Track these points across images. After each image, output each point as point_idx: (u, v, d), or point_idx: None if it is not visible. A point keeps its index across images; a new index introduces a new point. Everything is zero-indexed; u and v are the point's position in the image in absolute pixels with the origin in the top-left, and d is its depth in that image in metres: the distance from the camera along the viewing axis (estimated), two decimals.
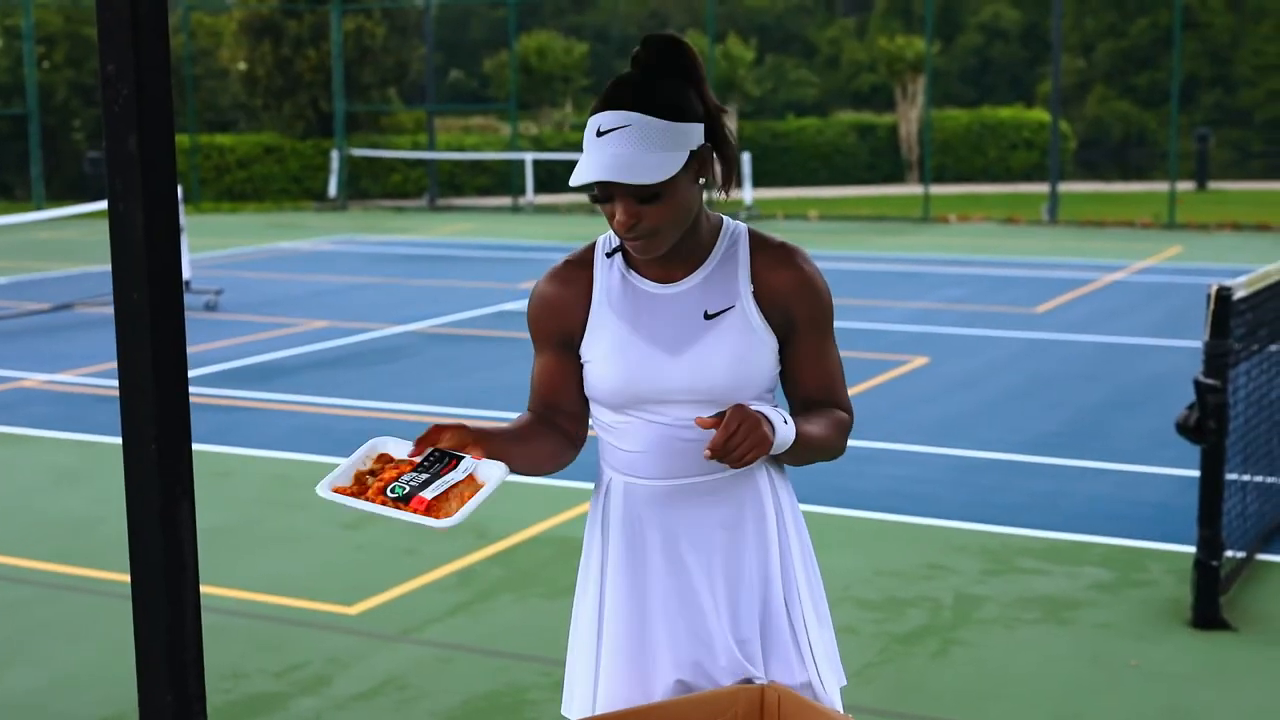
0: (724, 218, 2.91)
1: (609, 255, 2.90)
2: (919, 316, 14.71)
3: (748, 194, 27.48)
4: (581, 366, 2.92)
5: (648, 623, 2.90)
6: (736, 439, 2.57)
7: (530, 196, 30.38)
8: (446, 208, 31.56)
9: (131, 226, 2.50)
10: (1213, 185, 34.77)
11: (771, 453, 2.67)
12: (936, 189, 31.93)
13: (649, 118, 2.66)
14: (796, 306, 2.84)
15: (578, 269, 2.91)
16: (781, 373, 2.92)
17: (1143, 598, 6.39)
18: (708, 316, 2.81)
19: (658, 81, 2.72)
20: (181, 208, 15.71)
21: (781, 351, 2.88)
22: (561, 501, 7.86)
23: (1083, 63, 47.09)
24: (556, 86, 41.89)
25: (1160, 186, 34.10)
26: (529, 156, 30.49)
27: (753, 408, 2.65)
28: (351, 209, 31.26)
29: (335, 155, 31.22)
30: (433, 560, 6.92)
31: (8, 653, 5.84)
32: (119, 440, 9.42)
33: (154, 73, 2.48)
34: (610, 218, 2.72)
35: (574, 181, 2.65)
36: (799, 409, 2.93)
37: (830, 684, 2.95)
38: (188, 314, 14.90)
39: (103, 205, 17.62)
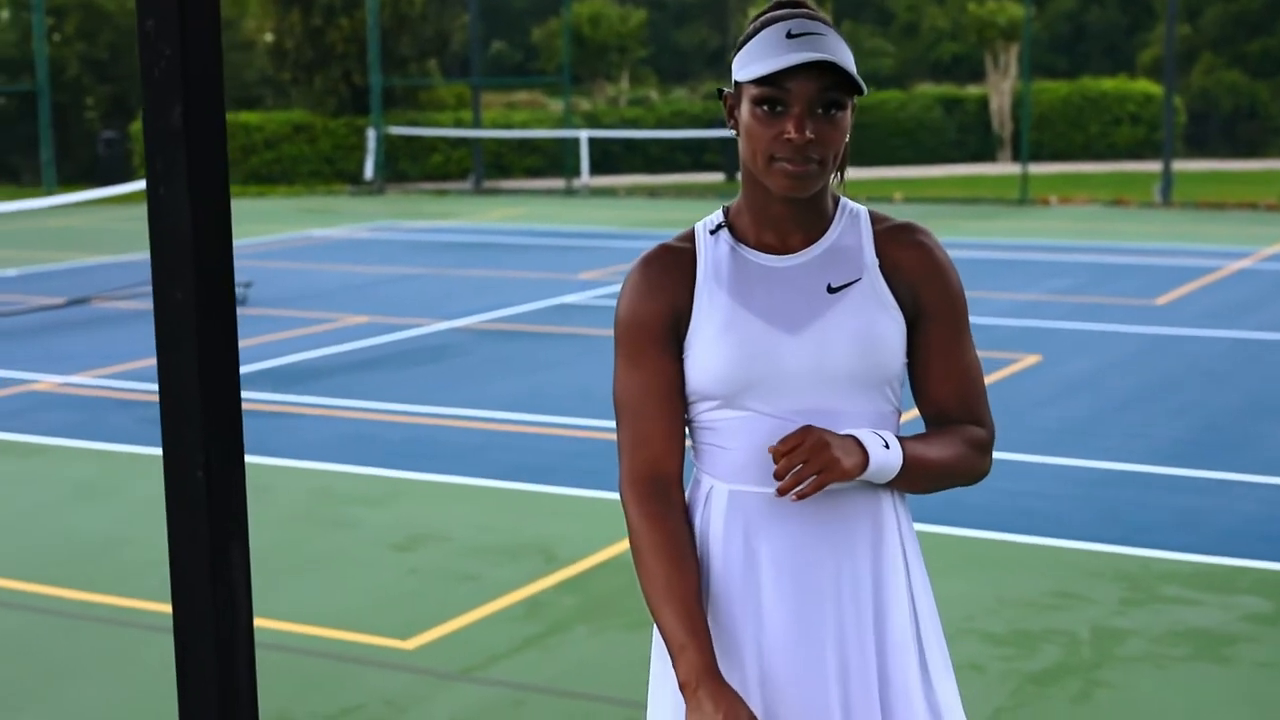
0: (841, 195, 2.81)
1: (713, 232, 2.77)
2: (1025, 309, 14.41)
3: None
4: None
5: (761, 659, 2.70)
6: (796, 457, 2.52)
7: (585, 178, 30.22)
8: (493, 190, 31.45)
9: (175, 213, 2.31)
10: None
11: (870, 479, 2.61)
12: (1034, 168, 31.53)
13: (838, 35, 2.65)
14: (926, 289, 2.74)
15: (677, 250, 2.76)
16: (911, 379, 2.79)
17: None
18: (831, 290, 2.69)
19: None
20: None
21: (909, 348, 2.75)
22: None
23: (1188, 29, 46.57)
24: (612, 58, 41.72)
25: (1278, 164, 33.58)
26: (584, 134, 30.33)
27: (839, 432, 2.59)
28: (389, 192, 31.20)
29: (371, 134, 31.15)
30: (496, 588, 6.71)
31: (21, 695, 5.66)
32: (143, 450, 9.35)
33: (202, 31, 2.29)
34: (768, 140, 2.59)
35: (764, 70, 2.56)
36: (930, 423, 2.80)
37: None
38: None
39: (119, 190, 17.55)
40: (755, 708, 2.67)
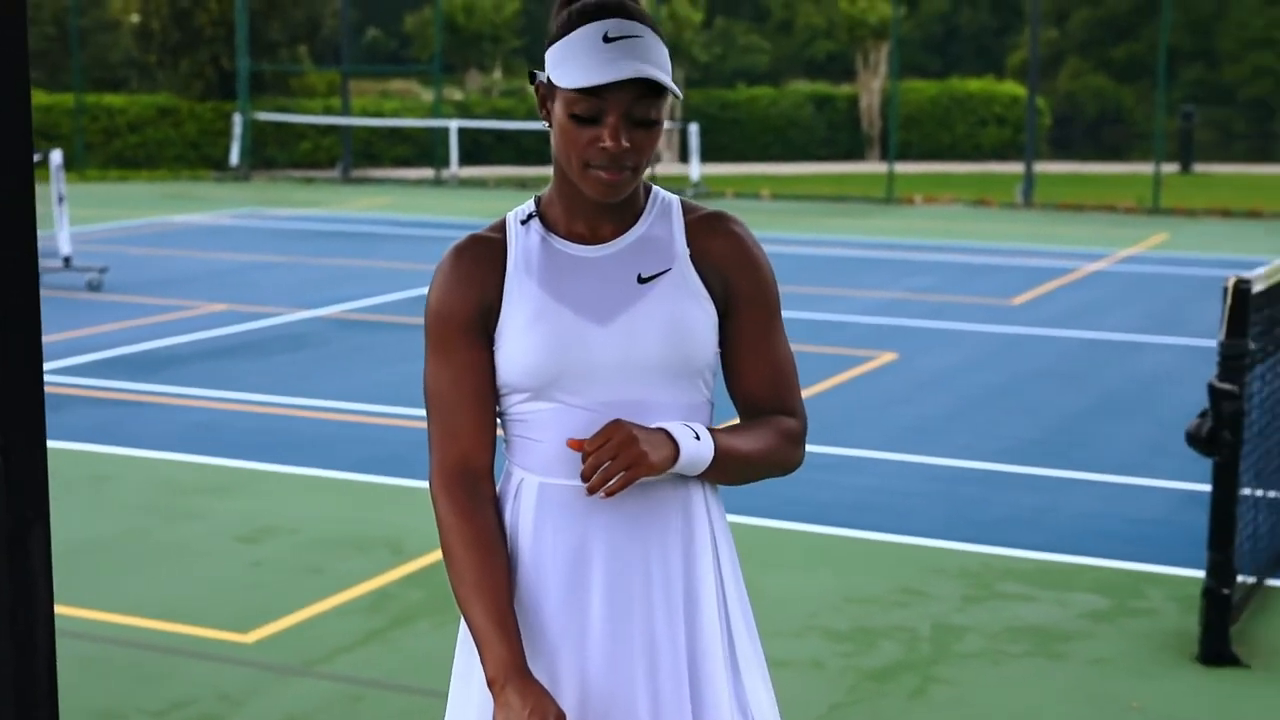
0: (651, 184, 2.78)
1: (524, 222, 2.74)
2: (885, 307, 14.54)
3: (695, 170, 27.30)
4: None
5: (553, 656, 2.68)
6: (604, 453, 2.52)
7: (454, 169, 30.06)
8: (362, 179, 31.20)
9: None
10: (1197, 168, 34.87)
11: (680, 471, 2.60)
12: (901, 167, 31.82)
13: (656, 35, 2.62)
14: (737, 277, 2.72)
15: (488, 240, 2.73)
16: (723, 369, 2.78)
17: (1142, 629, 6.20)
18: (641, 280, 2.68)
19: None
20: (64, 175, 15.35)
21: (722, 338, 2.74)
22: None
23: (1055, 33, 47.29)
24: (485, 48, 41.58)
25: (1141, 168, 34.21)
26: (454, 124, 30.19)
27: (647, 425, 2.58)
28: (255, 179, 30.84)
29: (238, 119, 30.76)
30: (341, 580, 6.65)
31: None
32: None
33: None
34: (584, 145, 2.57)
35: (582, 82, 2.53)
36: (742, 414, 2.79)
37: None
38: (68, 294, 14.57)
39: None
40: (565, 704, 2.65)
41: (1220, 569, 5.79)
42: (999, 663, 5.83)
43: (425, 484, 8.13)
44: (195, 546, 7.13)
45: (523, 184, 29.72)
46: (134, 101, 33.78)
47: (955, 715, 5.37)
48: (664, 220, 2.73)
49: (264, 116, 31.97)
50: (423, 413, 9.47)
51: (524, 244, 2.71)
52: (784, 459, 2.76)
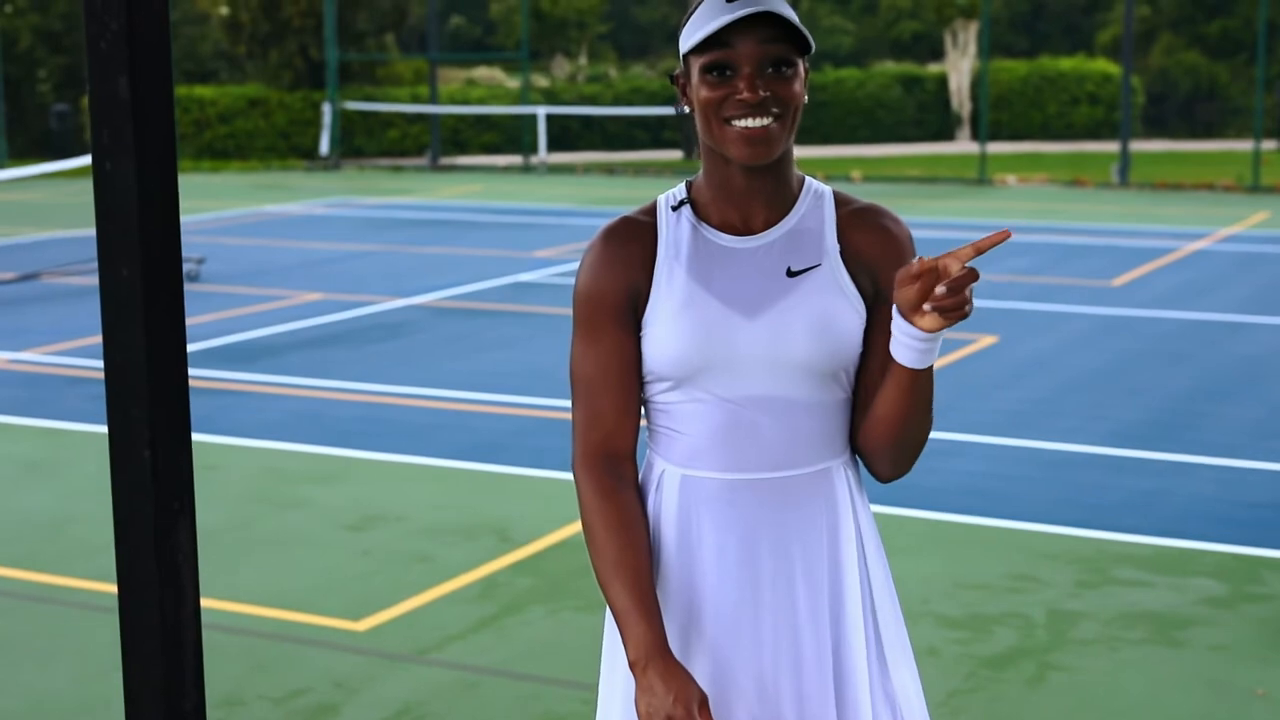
0: (806, 175, 2.76)
1: (675, 209, 2.72)
2: (983, 290, 14.42)
3: None
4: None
5: (703, 649, 2.68)
6: (959, 289, 2.39)
7: (543, 155, 30.13)
8: (450, 167, 31.32)
9: (121, 188, 2.27)
10: None
11: (922, 355, 2.51)
12: (993, 147, 31.57)
13: None
14: (886, 272, 2.67)
15: (639, 225, 2.72)
16: (864, 364, 2.72)
17: (1262, 615, 6.12)
18: (791, 274, 2.65)
19: None
20: None
21: (865, 334, 2.70)
22: None
23: (1147, 9, 46.70)
24: (570, 34, 41.61)
25: (1237, 145, 33.75)
26: (542, 111, 30.23)
27: (803, 417, 2.62)
28: (345, 168, 31.03)
29: (327, 109, 30.96)
30: (450, 568, 6.67)
31: None
32: (92, 428, 9.25)
33: (149, 3, 2.24)
34: (719, 104, 2.57)
35: (706, 32, 2.53)
36: (863, 400, 2.71)
37: None
38: None
39: (71, 164, 17.40)
40: (720, 694, 2.64)
41: None
42: (1117, 649, 5.77)
43: (529, 471, 8.17)
44: (304, 535, 7.18)
45: (610, 170, 29.72)
46: (224, 93, 34.06)
47: (1075, 702, 5.32)
48: (816, 212, 2.70)
49: (352, 106, 32.15)
50: (521, 399, 9.52)
51: (675, 231, 2.70)
52: (929, 424, 2.70)
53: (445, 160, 32.43)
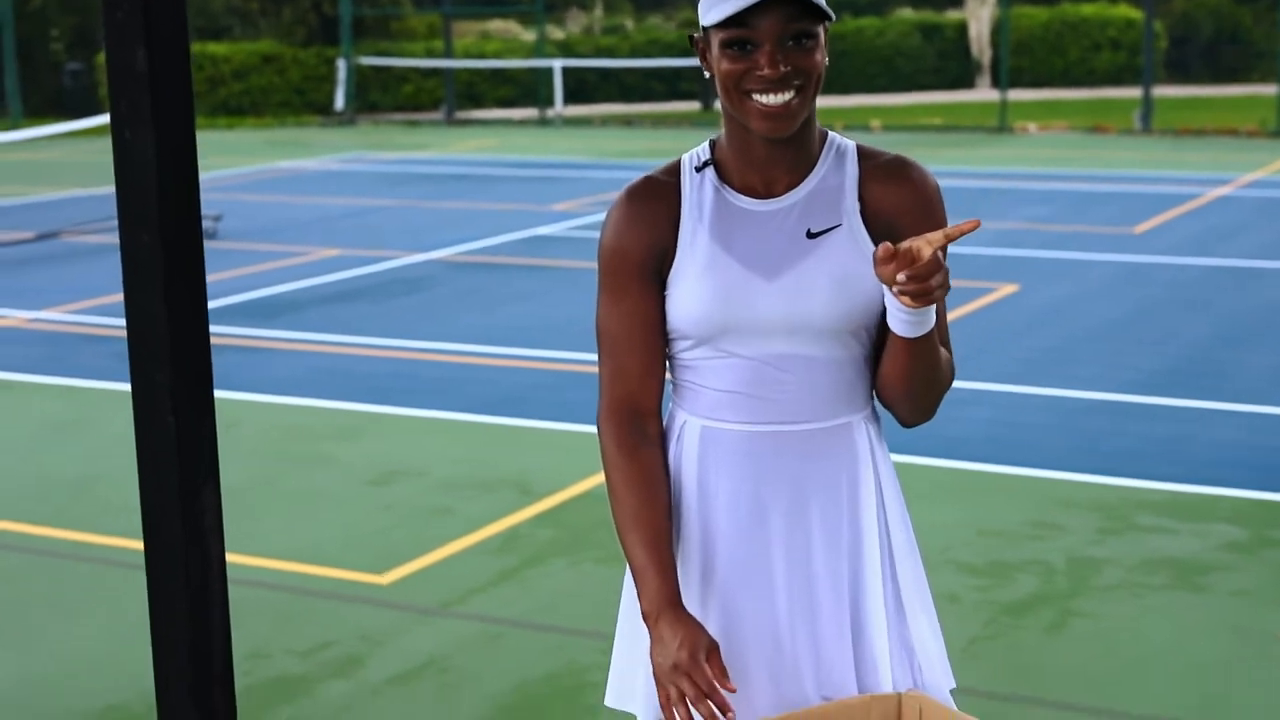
0: (828, 130, 2.77)
1: (698, 170, 2.76)
2: (1003, 238, 14.43)
3: None
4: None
5: (718, 597, 2.73)
6: (922, 276, 2.41)
7: (560, 108, 30.11)
8: (466, 121, 31.30)
9: (140, 157, 2.29)
10: None
11: (916, 324, 2.54)
12: (1014, 95, 31.47)
13: None
14: (908, 223, 2.69)
15: (662, 184, 2.76)
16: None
17: None
18: (810, 236, 2.69)
19: None
20: None
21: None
22: None
23: None
24: None
25: (1261, 89, 33.58)
26: (558, 64, 30.19)
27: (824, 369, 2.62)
28: (360, 124, 31.05)
29: (342, 64, 30.97)
30: (471, 521, 6.74)
31: None
32: (114, 385, 9.31)
33: None
34: (739, 78, 2.59)
35: (726, 12, 2.54)
36: (890, 352, 2.73)
37: (941, 691, 2.77)
38: None
39: (87, 123, 17.44)
40: (733, 641, 2.69)
41: None
42: (1139, 595, 5.82)
43: (548, 424, 8.23)
44: (326, 490, 7.25)
45: (628, 122, 29.69)
46: (237, 49, 34.05)
47: (1097, 649, 5.37)
48: (838, 170, 2.72)
49: (367, 61, 32.13)
50: (540, 353, 9.56)
51: (698, 192, 2.73)
52: (947, 376, 2.73)
53: (461, 115, 32.41)
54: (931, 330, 2.58)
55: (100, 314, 11.54)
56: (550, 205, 17.49)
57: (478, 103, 34.63)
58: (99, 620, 5.75)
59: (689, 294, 2.68)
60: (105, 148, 25.77)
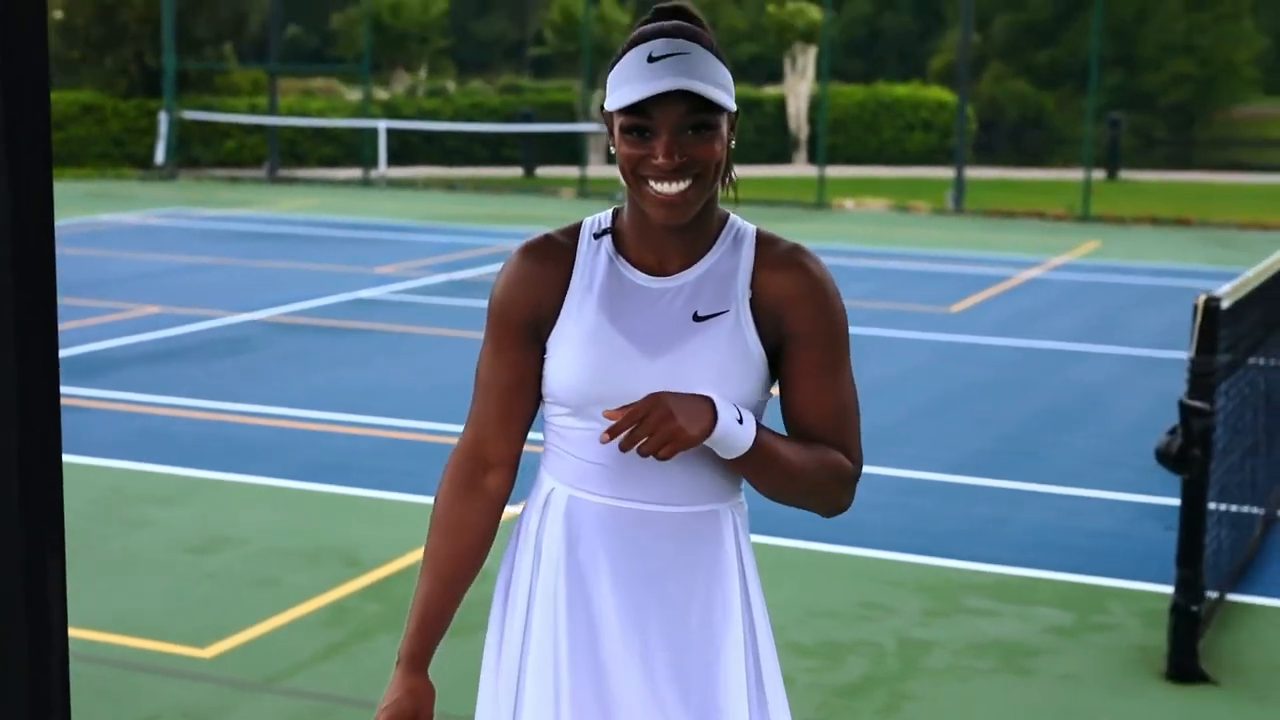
0: (729, 213, 2.77)
1: (596, 237, 2.75)
2: None
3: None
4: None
5: (585, 670, 2.69)
6: (643, 429, 2.50)
7: (383, 169, 29.87)
8: (289, 179, 30.93)
9: None
10: (1122, 174, 35.17)
11: (713, 446, 2.57)
12: (830, 171, 31.92)
13: (707, 52, 2.61)
14: (799, 315, 2.69)
15: (558, 246, 2.76)
16: (781, 402, 2.75)
17: (1107, 644, 6.20)
18: (697, 319, 2.68)
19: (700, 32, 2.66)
20: None
21: (780, 374, 2.73)
22: None
23: (978, 37, 47.54)
24: (411, 47, 41.37)
25: (1067, 174, 34.44)
26: (382, 124, 30.00)
27: (686, 394, 2.56)
28: (181, 178, 30.52)
29: (164, 117, 30.43)
30: (296, 593, 6.55)
31: None
32: None
33: (25, 14, 2.15)
34: (636, 163, 2.57)
35: (625, 100, 2.54)
36: (792, 438, 2.73)
37: None
38: None
39: None
40: (566, 711, 2.66)
41: (1189, 586, 5.80)
42: (967, 679, 5.82)
43: (374, 493, 8.08)
44: (147, 557, 7.00)
45: (451, 185, 29.56)
46: (58, 98, 33.30)
47: None
48: (733, 254, 2.71)
49: (190, 115, 31.63)
50: (365, 419, 9.36)
51: (593, 260, 2.72)
52: (828, 489, 2.71)
53: (284, 172, 32.02)
54: (749, 451, 2.58)
55: None
56: (374, 268, 17.29)
57: (301, 161, 34.26)
58: None
59: (568, 362, 2.67)
60: None
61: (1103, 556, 7.31)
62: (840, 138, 37.59)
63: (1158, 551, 7.21)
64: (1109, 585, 6.92)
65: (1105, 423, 10.19)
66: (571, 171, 32.29)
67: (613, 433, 2.52)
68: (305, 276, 16.52)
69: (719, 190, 2.69)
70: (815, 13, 37.44)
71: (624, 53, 2.61)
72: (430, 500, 7.78)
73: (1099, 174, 33.45)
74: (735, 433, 2.56)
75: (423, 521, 7.47)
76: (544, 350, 2.72)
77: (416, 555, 7.01)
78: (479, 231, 21.43)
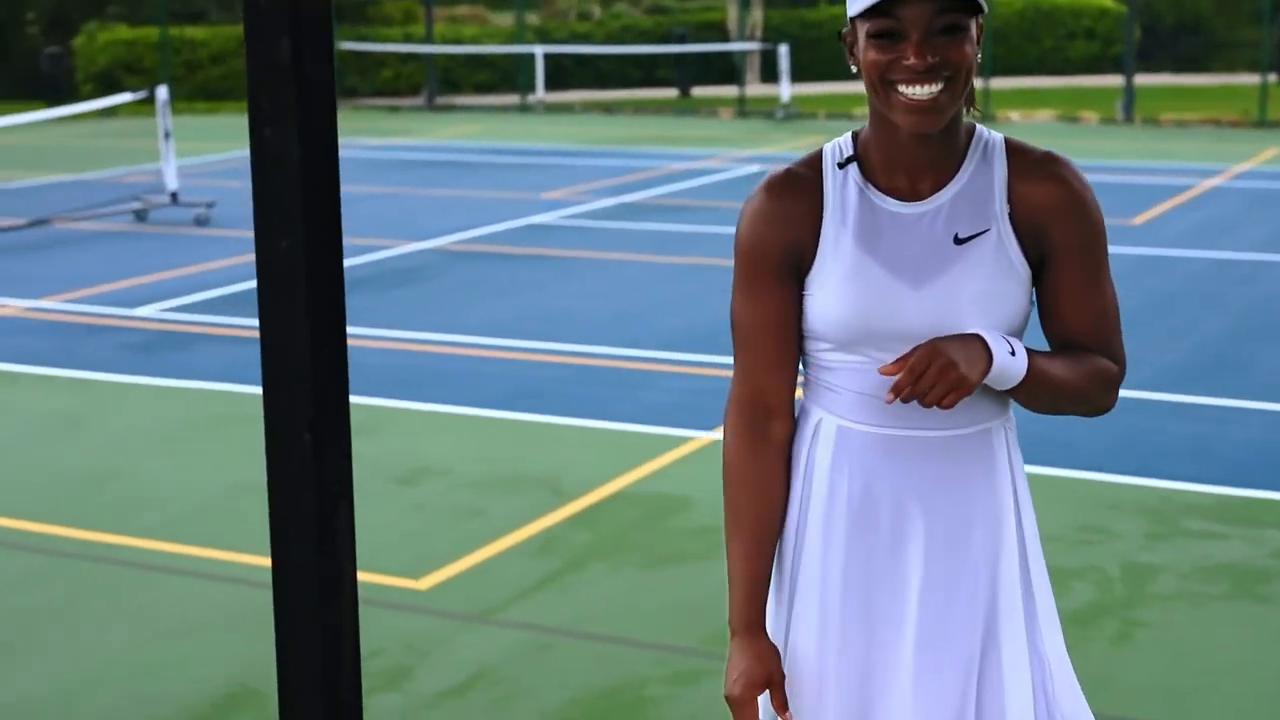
0: (976, 124, 2.65)
1: (841, 166, 2.63)
2: None
3: (785, 90, 26.95)
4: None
5: (857, 592, 2.66)
6: (925, 382, 2.42)
7: (540, 94, 29.81)
8: (447, 107, 31.01)
9: (284, 159, 2.11)
10: None
11: (990, 383, 2.50)
12: (994, 83, 31.32)
13: None
14: (1061, 229, 2.60)
15: (804, 179, 2.64)
16: (1041, 310, 2.67)
17: None
18: (958, 241, 2.58)
19: None
20: (169, 111, 15.24)
21: (1040, 285, 2.64)
22: (640, 452, 7.45)
23: None
24: None
25: (1231, 79, 33.53)
26: (539, 50, 29.91)
27: (957, 337, 2.47)
28: (341, 108, 30.63)
29: None
30: (505, 523, 6.50)
31: (19, 637, 5.41)
32: (121, 378, 9.03)
33: None
34: (885, 68, 2.47)
35: (866, 3, 2.43)
36: (1057, 352, 2.66)
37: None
38: (177, 230, 14.52)
39: (71, 110, 17.11)
40: (834, 638, 2.64)
41: None
42: (1200, 605, 5.62)
43: (571, 420, 8.01)
44: (354, 490, 6.98)
45: (608, 109, 29.45)
46: (215, 33, 33.67)
47: (1166, 661, 5.17)
48: (985, 169, 2.60)
49: (346, 45, 31.77)
50: (553, 345, 9.32)
51: (841, 191, 2.62)
52: (1096, 398, 2.65)
53: (441, 100, 32.08)
54: (1022, 382, 2.51)
55: (100, 303, 11.25)
56: (541, 193, 17.24)
57: (456, 88, 34.32)
58: (130, 626, 5.49)
59: (831, 299, 2.57)
60: (89, 131, 25.47)
61: None
62: (1001, 48, 36.87)
63: None
64: None
65: None
66: (728, 91, 32.01)
67: (896, 390, 2.44)
68: (475, 203, 16.50)
69: (962, 106, 2.57)
70: None
71: None
72: (626, 427, 7.76)
73: (1270, 78, 32.53)
74: (1010, 366, 2.49)
75: (621, 450, 7.43)
76: (802, 288, 2.63)
77: (620, 483, 6.95)
78: (643, 154, 21.30)
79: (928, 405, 2.43)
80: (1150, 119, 25.29)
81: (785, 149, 21.79)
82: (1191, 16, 44.40)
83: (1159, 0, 44.66)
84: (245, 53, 2.06)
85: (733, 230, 2.70)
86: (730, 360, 2.73)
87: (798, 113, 26.54)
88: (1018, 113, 26.63)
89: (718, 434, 7.69)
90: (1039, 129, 24.74)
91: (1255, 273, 12.06)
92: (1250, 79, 31.60)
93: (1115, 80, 31.19)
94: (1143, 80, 33.59)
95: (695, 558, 6.09)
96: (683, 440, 7.62)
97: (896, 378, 2.48)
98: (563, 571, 5.98)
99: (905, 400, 2.44)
